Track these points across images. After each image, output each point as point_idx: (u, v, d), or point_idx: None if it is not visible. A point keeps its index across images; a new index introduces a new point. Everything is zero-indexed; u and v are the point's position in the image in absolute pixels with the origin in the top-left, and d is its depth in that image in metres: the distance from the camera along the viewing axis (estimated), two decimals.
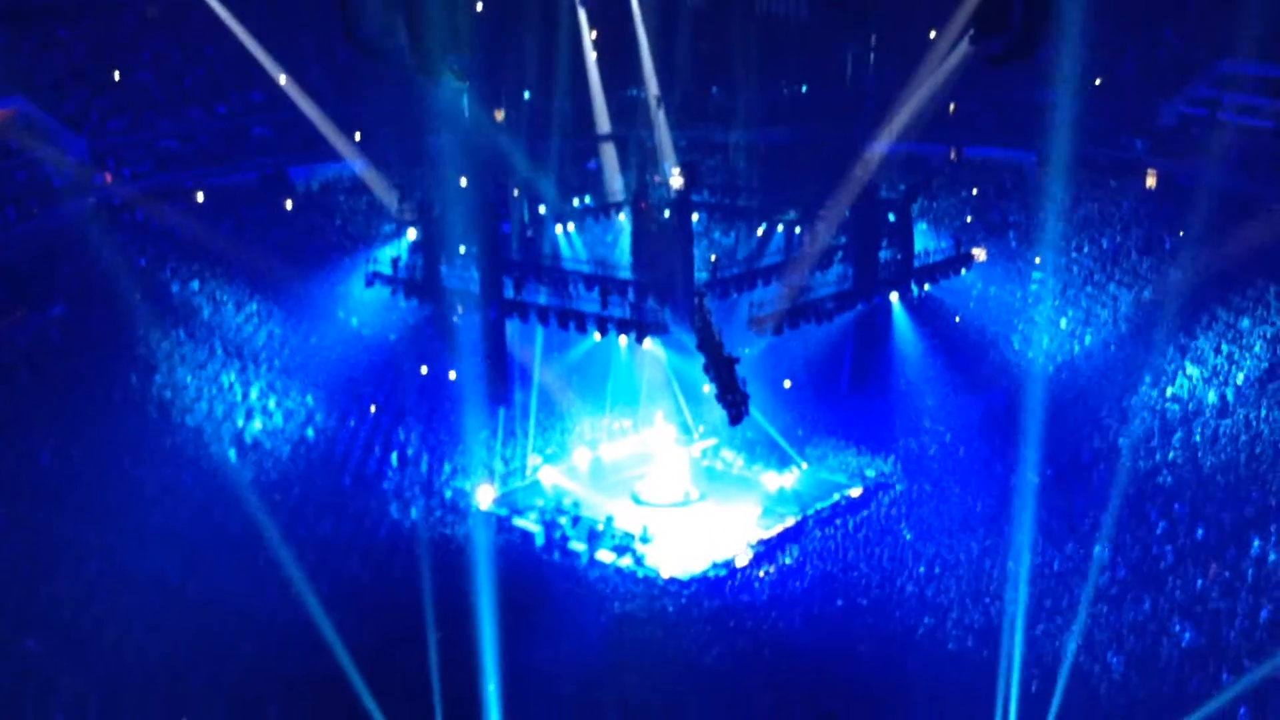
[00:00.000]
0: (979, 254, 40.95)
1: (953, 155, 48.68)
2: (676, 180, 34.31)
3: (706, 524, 33.80)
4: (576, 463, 37.25)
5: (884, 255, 37.10)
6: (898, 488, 34.73)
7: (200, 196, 43.76)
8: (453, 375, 38.06)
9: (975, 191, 47.04)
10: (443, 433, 36.84)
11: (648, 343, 33.80)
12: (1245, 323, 35.55)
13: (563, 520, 32.96)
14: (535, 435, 37.68)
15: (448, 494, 34.20)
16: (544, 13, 46.64)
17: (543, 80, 47.95)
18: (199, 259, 39.95)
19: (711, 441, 38.19)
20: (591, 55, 45.98)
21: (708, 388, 32.41)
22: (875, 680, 24.56)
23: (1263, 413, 31.82)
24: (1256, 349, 34.39)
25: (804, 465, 36.44)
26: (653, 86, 45.55)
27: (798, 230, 37.79)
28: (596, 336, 33.75)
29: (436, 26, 23.73)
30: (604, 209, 42.13)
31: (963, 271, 39.39)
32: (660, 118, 44.17)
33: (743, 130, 46.61)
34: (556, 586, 29.38)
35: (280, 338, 39.07)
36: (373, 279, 37.74)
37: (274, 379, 37.10)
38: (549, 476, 36.25)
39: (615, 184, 43.90)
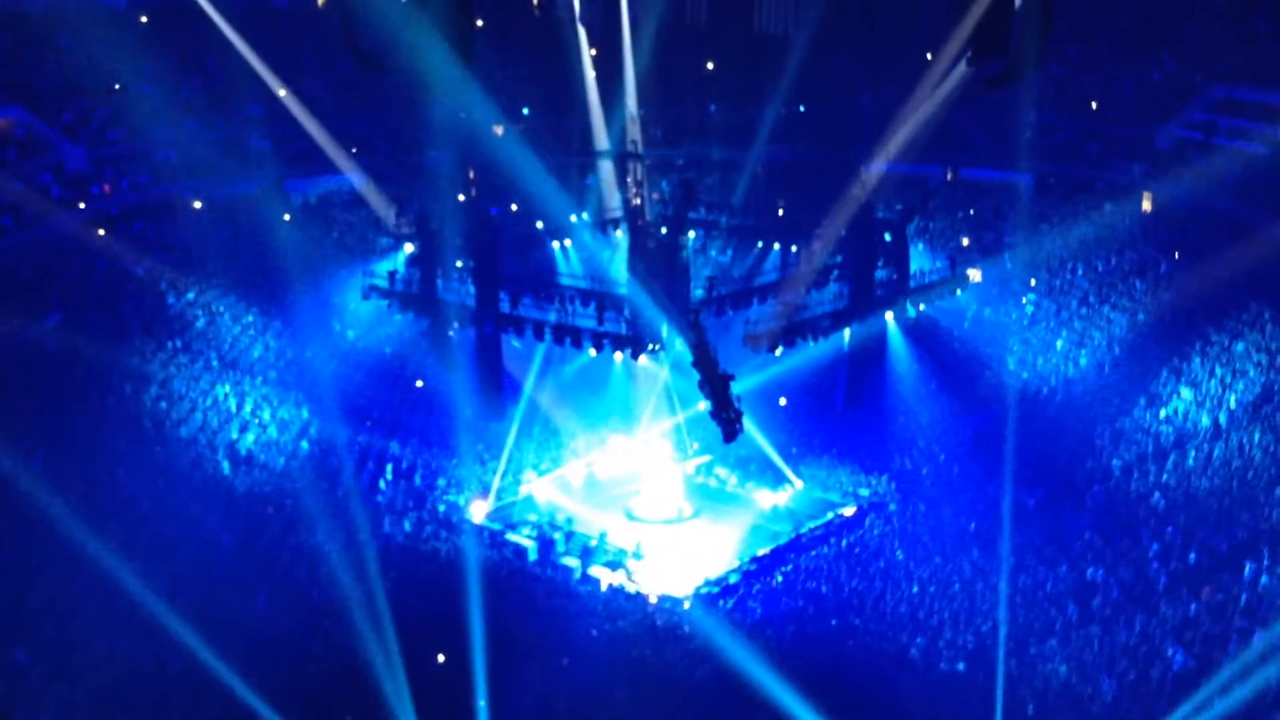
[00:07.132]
0: (974, 275, 41.00)
1: (949, 176, 48.78)
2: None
3: (699, 541, 33.79)
4: (570, 478, 37.22)
5: (879, 275, 37.14)
6: (891, 507, 34.69)
7: (197, 207, 43.75)
8: (448, 389, 38.01)
9: (971, 212, 47.13)
10: (437, 446, 36.83)
11: (643, 359, 33.79)
12: (1239, 346, 35.60)
13: (556, 536, 32.92)
14: (529, 450, 37.68)
15: (441, 508, 34.16)
16: (544, 30, 46.75)
17: (543, 97, 48.11)
18: (195, 270, 39.95)
19: (705, 458, 38.20)
20: (590, 73, 46.08)
21: (702, 404, 32.39)
22: (867, 700, 24.51)
23: (1256, 437, 31.83)
24: (1250, 373, 34.44)
25: (798, 484, 36.43)
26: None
27: (794, 249, 37.88)
28: (592, 352, 33.73)
29: (437, 42, 23.73)
30: (601, 225, 42.18)
31: (958, 292, 39.41)
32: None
33: (740, 149, 46.71)
34: (548, 602, 29.34)
35: (276, 350, 39.05)
36: (369, 292, 37.70)
37: (269, 391, 37.07)
38: (543, 491, 36.20)
39: (613, 200, 43.94)
